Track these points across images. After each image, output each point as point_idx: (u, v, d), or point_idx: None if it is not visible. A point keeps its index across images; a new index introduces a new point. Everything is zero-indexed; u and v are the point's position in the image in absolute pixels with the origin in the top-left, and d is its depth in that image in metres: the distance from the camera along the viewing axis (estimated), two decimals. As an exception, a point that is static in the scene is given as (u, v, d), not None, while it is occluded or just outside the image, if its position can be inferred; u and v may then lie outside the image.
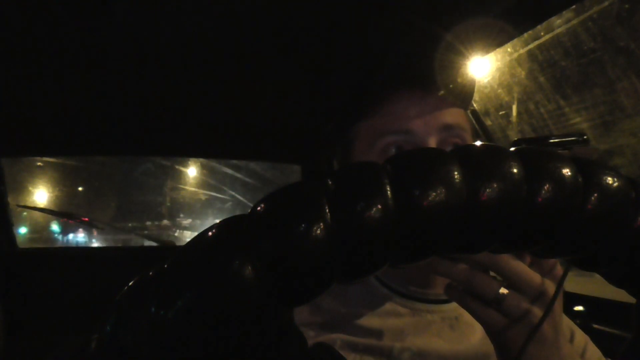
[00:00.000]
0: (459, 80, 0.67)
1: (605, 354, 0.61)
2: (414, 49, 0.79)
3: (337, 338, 0.61)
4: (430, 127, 0.62)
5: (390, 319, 0.63)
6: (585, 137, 0.51)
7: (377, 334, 0.61)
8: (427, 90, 0.64)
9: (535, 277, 0.45)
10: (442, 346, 0.60)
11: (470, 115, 0.70)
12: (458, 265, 0.46)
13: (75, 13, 0.89)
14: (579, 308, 1.18)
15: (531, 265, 0.46)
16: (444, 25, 0.89)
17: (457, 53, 0.90)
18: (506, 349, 0.46)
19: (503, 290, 0.45)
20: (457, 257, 0.46)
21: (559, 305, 0.46)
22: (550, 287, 0.45)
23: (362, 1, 0.86)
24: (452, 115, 0.63)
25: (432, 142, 0.61)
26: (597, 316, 1.13)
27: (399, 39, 0.96)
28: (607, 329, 1.09)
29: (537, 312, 0.44)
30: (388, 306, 0.64)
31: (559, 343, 0.46)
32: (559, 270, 0.47)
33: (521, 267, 0.45)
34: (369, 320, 0.63)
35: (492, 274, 0.47)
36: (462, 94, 0.67)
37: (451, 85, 0.65)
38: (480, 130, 1.31)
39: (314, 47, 1.06)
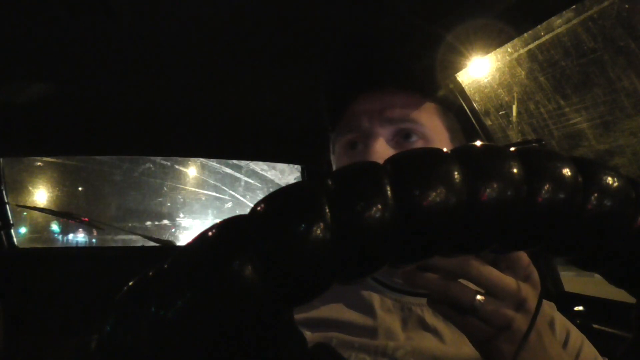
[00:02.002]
0: (415, 72, 0.72)
1: (605, 354, 0.61)
2: (372, 51, 0.84)
3: (332, 337, 0.61)
4: (377, 122, 0.66)
5: (382, 315, 0.63)
6: (543, 142, 0.52)
7: (372, 331, 0.62)
8: (380, 86, 0.68)
9: (509, 281, 0.45)
10: (435, 343, 0.60)
11: (441, 107, 0.71)
12: (433, 276, 0.46)
13: (75, 12, 0.89)
14: (579, 308, 1.18)
15: (505, 270, 0.46)
16: (444, 25, 0.89)
17: (411, 45, 0.94)
18: (490, 354, 0.46)
19: (480, 298, 0.45)
20: (432, 268, 0.47)
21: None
22: (527, 289, 0.45)
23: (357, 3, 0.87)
24: (402, 110, 0.66)
25: (380, 137, 0.65)
26: (597, 316, 1.13)
27: (368, 41, 0.96)
28: (607, 329, 1.08)
29: (514, 315, 0.45)
30: (379, 301, 0.65)
31: (544, 344, 0.46)
32: (535, 273, 0.47)
33: (494, 273, 0.45)
34: (363, 318, 0.63)
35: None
36: (419, 85, 0.70)
37: (406, 79, 0.70)
38: (480, 130, 1.31)
39: (315, 45, 1.06)
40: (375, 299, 0.65)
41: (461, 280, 0.46)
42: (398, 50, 0.93)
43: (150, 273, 0.23)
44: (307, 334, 0.62)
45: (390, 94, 0.68)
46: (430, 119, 0.68)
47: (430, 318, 0.63)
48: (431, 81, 0.73)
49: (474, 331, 0.46)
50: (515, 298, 0.45)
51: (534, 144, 0.52)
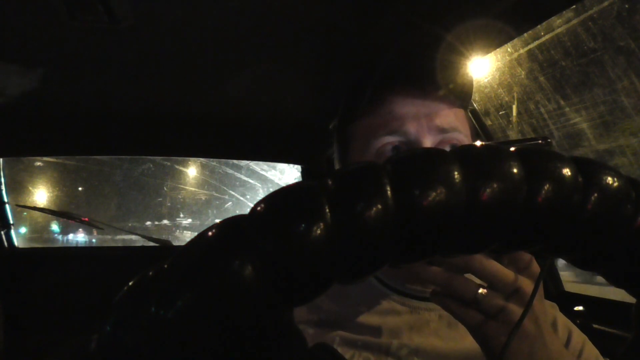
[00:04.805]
0: (457, 79, 0.67)
1: (605, 354, 0.61)
2: (412, 48, 0.79)
3: (336, 335, 0.62)
4: (425, 130, 0.63)
5: (388, 317, 0.63)
6: (548, 140, 0.52)
7: (376, 331, 0.62)
8: (424, 89, 0.64)
9: (510, 275, 0.47)
10: (439, 344, 0.61)
11: (470, 115, 0.70)
12: (437, 270, 0.48)
13: (75, 12, 0.89)
14: (579, 308, 1.18)
15: (507, 265, 0.48)
16: (444, 25, 0.89)
17: (455, 52, 0.90)
18: (489, 346, 0.47)
19: (482, 291, 0.46)
20: (436, 261, 0.48)
21: (539, 301, 0.47)
22: (527, 283, 0.47)
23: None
24: (449, 118, 0.64)
25: (427, 144, 0.62)
26: (597, 316, 1.13)
27: (398, 37, 0.96)
28: (607, 329, 1.09)
29: (515, 308, 0.46)
30: (386, 304, 0.65)
31: (544, 338, 0.47)
32: (536, 267, 0.48)
33: (496, 267, 0.47)
34: (368, 318, 0.63)
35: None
36: (461, 94, 0.67)
37: (449, 85, 0.65)
38: (480, 130, 1.31)
39: (315, 45, 1.06)
40: (384, 301, 0.65)
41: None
42: (449, 53, 0.88)
43: (150, 273, 0.23)
44: (310, 332, 0.62)
45: (434, 100, 0.64)
46: (466, 128, 0.67)
47: (437, 323, 0.63)
48: (470, 89, 0.70)
49: (474, 322, 0.47)
50: (515, 290, 0.46)
51: (540, 142, 0.52)
